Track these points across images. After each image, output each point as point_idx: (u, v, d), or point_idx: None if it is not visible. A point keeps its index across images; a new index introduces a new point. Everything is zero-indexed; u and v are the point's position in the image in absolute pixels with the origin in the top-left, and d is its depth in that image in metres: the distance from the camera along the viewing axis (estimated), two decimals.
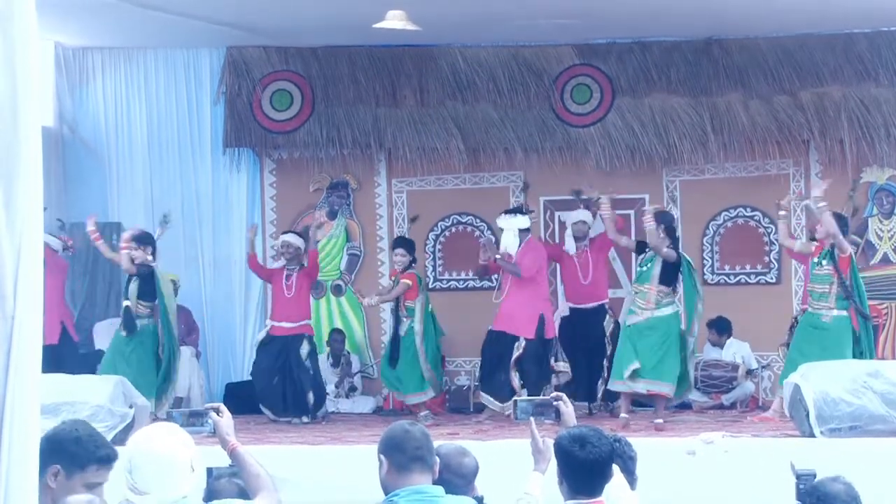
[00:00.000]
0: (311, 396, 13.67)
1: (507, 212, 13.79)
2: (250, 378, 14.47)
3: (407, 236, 14.45)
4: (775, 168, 15.18)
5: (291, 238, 14.13)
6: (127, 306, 13.06)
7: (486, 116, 15.44)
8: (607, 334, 13.79)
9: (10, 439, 4.02)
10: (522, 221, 13.52)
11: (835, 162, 14.91)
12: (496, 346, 13.30)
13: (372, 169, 15.84)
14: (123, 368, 12.57)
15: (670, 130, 15.09)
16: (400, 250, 13.91)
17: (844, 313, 12.01)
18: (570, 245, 14.11)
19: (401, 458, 5.00)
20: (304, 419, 13.57)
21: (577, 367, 13.62)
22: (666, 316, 12.58)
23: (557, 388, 12.65)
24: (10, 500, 4.03)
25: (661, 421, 12.37)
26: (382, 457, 5.05)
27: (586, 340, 13.83)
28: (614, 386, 12.77)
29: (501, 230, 13.64)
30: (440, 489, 5.10)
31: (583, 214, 14.11)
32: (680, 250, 13.04)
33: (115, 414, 11.28)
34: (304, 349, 13.75)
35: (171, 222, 13.87)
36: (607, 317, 13.91)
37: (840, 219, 12.30)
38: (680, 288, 12.97)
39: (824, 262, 12.10)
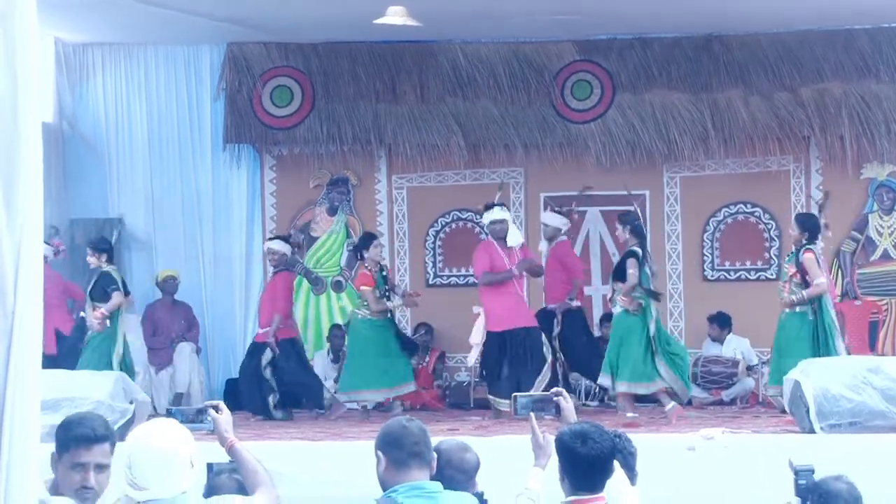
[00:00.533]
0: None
1: (494, 206, 13.50)
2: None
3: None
4: (776, 164, 15.18)
5: (276, 245, 14.13)
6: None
7: (486, 113, 15.44)
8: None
9: (11, 435, 4.02)
10: (498, 214, 13.40)
11: (835, 158, 14.92)
12: (505, 346, 13.22)
13: (372, 165, 15.84)
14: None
15: (671, 127, 15.09)
16: (376, 240, 13.82)
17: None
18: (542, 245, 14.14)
19: (399, 454, 5.00)
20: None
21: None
22: (618, 315, 12.73)
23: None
24: (10, 496, 4.03)
25: (630, 415, 12.43)
26: (380, 453, 5.05)
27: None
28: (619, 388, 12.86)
29: (502, 221, 13.31)
30: (438, 485, 5.10)
31: (550, 218, 14.13)
32: (646, 248, 13.01)
33: (116, 410, 11.27)
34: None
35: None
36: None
37: (811, 219, 12.37)
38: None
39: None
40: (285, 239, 14.37)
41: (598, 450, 5.24)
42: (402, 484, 4.98)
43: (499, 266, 13.13)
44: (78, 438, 4.87)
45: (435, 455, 5.21)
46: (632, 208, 14.09)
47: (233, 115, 15.66)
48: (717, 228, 15.41)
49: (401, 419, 5.14)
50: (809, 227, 12.21)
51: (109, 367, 12.60)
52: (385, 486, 5.04)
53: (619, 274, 12.86)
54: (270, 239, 14.46)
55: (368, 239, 13.88)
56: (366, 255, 13.65)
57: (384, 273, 13.77)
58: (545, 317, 13.70)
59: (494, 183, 15.22)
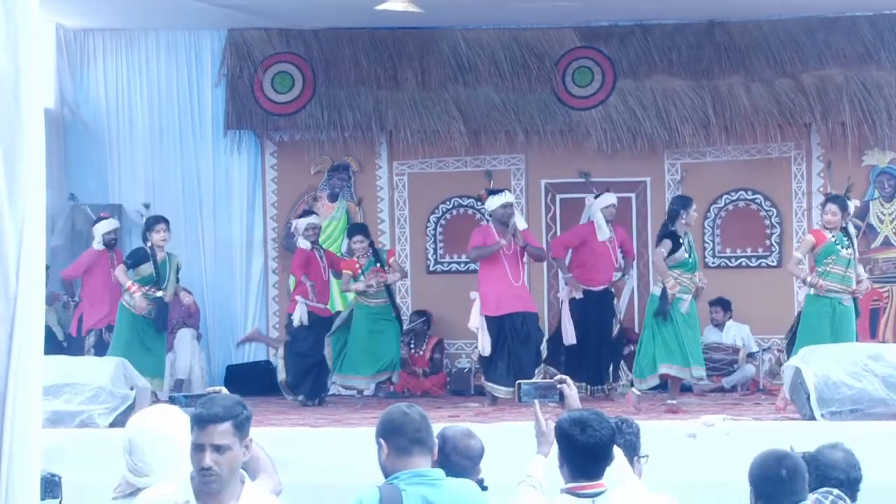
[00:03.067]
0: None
1: (496, 192, 13.50)
2: (250, 360, 14.50)
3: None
4: (777, 151, 15.18)
5: (315, 219, 14.16)
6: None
7: (487, 99, 15.43)
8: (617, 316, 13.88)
9: (13, 420, 4.02)
10: (509, 197, 13.40)
11: (836, 145, 14.91)
12: (523, 327, 13.22)
13: (373, 151, 15.83)
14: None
15: (672, 113, 15.08)
16: (358, 237, 13.81)
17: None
18: (603, 230, 13.93)
19: (401, 441, 5.01)
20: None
21: (587, 348, 13.68)
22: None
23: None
24: (12, 481, 4.03)
25: (672, 402, 12.46)
26: (382, 441, 5.05)
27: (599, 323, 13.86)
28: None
29: (509, 205, 13.28)
30: (440, 472, 5.11)
31: (612, 198, 14.02)
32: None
33: (117, 395, 11.29)
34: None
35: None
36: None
37: (837, 199, 12.30)
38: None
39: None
40: (311, 213, 14.41)
41: (597, 437, 5.24)
42: (405, 471, 4.98)
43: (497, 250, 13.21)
44: (194, 419, 4.78)
45: (436, 441, 5.22)
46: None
47: (233, 101, 15.65)
48: (717, 215, 15.41)
49: (401, 406, 5.14)
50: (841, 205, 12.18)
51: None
52: (387, 473, 5.04)
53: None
54: (302, 215, 14.35)
55: (351, 231, 14.09)
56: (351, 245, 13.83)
57: (379, 259, 13.69)
58: (602, 299, 13.75)
59: (496, 170, 15.22)
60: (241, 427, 4.80)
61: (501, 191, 13.43)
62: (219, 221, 15.88)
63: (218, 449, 4.72)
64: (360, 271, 13.59)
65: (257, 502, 4.85)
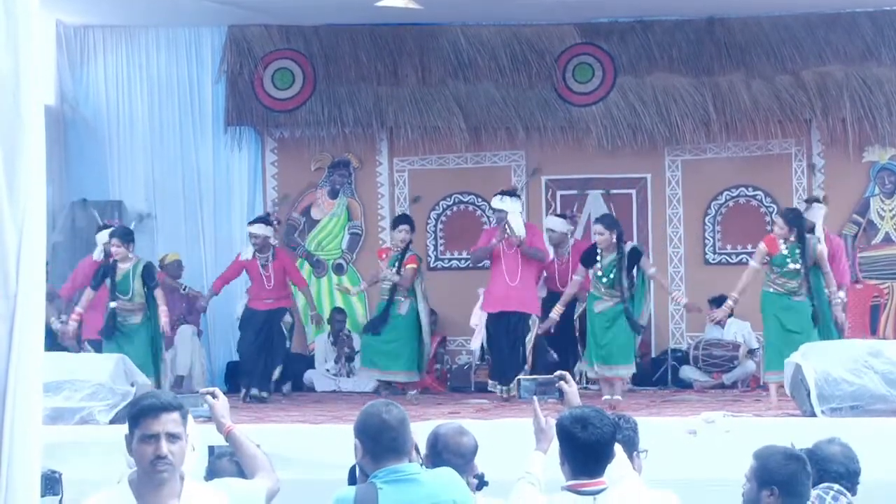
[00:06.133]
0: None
1: (506, 193, 13.57)
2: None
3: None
4: (777, 147, 15.18)
5: (257, 228, 14.06)
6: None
7: (487, 95, 15.43)
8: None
9: (14, 417, 4.03)
10: (517, 205, 13.43)
11: (837, 141, 14.92)
12: (508, 328, 13.23)
13: (373, 148, 15.83)
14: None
15: (672, 110, 15.08)
16: (405, 226, 13.76)
17: None
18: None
19: (375, 447, 5.04)
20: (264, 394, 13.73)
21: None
22: None
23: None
24: (12, 477, 4.04)
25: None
26: (358, 442, 5.07)
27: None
28: None
29: (502, 211, 13.38)
30: (416, 466, 5.15)
31: (555, 223, 14.12)
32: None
33: (117, 392, 11.28)
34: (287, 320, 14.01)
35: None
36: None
37: (787, 213, 12.40)
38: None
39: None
40: (265, 220, 14.30)
41: (598, 435, 5.24)
42: (382, 469, 5.01)
43: (493, 250, 13.30)
44: (145, 409, 4.72)
45: (414, 440, 5.23)
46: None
47: (234, 98, 15.65)
48: (718, 212, 15.40)
49: (380, 408, 5.10)
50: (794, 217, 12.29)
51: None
52: (363, 471, 5.10)
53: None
54: (251, 223, 14.33)
55: (397, 221, 13.97)
56: (392, 233, 13.87)
57: (399, 258, 13.65)
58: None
59: (496, 166, 15.26)
60: (185, 419, 4.82)
61: (512, 193, 13.49)
62: (219, 218, 15.87)
63: (171, 437, 4.71)
64: (387, 262, 13.61)
65: (199, 498, 4.81)
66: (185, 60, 15.90)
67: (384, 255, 13.76)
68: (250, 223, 14.29)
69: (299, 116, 15.59)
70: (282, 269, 14.05)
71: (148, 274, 12.95)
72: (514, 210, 13.28)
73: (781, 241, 12.09)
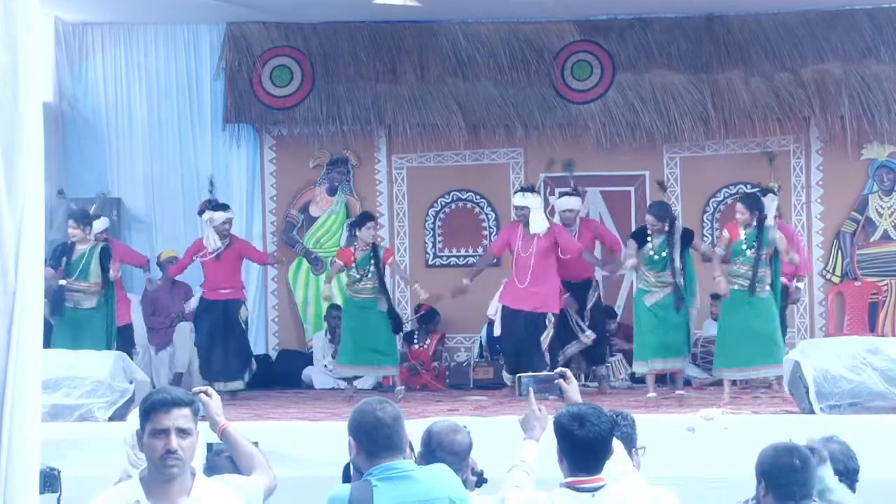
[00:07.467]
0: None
1: (526, 190, 13.56)
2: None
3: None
4: (776, 145, 15.17)
5: (228, 213, 14.02)
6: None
7: (486, 93, 15.43)
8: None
9: (12, 414, 4.03)
10: (538, 201, 13.44)
11: (835, 139, 14.91)
12: (523, 326, 13.22)
13: (372, 145, 15.83)
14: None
15: (671, 107, 15.08)
16: (371, 223, 13.56)
17: None
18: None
19: (370, 445, 5.04)
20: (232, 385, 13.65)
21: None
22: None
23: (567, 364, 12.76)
24: (11, 473, 4.04)
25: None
26: (352, 439, 5.07)
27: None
28: None
29: (525, 208, 13.36)
30: (410, 462, 5.16)
31: (571, 202, 14.03)
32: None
33: (116, 389, 11.29)
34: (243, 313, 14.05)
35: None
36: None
37: (746, 198, 12.52)
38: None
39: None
40: (224, 207, 14.19)
41: (595, 432, 5.24)
42: (376, 466, 5.01)
43: (508, 246, 13.44)
44: (156, 404, 4.74)
45: (409, 437, 5.24)
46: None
47: (232, 95, 15.65)
48: (717, 209, 15.41)
49: (374, 406, 5.10)
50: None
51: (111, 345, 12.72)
52: (357, 469, 5.10)
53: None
54: (215, 209, 14.09)
55: (364, 218, 13.81)
56: (358, 233, 13.59)
57: (376, 254, 13.52)
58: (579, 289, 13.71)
59: (495, 164, 15.24)
60: (197, 414, 4.84)
61: (532, 189, 13.55)
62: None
63: (182, 433, 4.72)
64: (353, 263, 13.46)
65: (209, 495, 4.83)
66: (183, 58, 15.90)
67: (353, 257, 13.41)
68: (214, 209, 14.07)
69: (298, 114, 15.59)
70: (237, 256, 14.00)
71: (106, 256, 12.95)
72: (535, 206, 13.29)
73: (742, 227, 12.16)
